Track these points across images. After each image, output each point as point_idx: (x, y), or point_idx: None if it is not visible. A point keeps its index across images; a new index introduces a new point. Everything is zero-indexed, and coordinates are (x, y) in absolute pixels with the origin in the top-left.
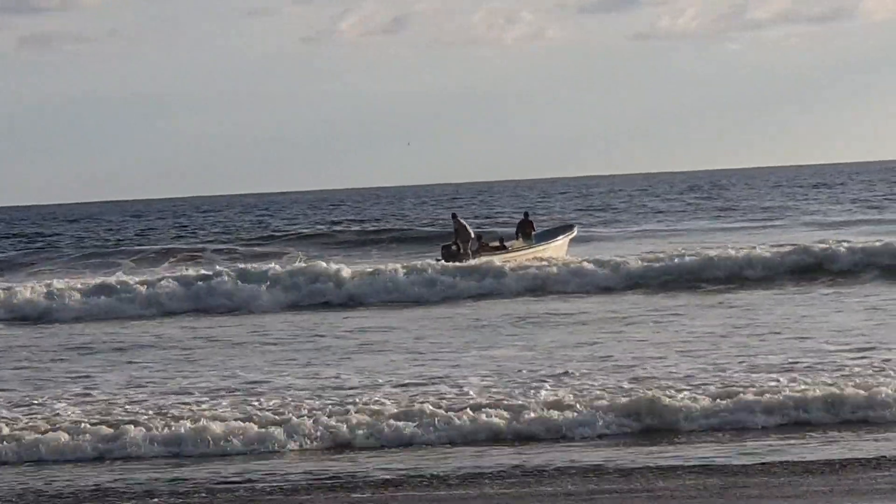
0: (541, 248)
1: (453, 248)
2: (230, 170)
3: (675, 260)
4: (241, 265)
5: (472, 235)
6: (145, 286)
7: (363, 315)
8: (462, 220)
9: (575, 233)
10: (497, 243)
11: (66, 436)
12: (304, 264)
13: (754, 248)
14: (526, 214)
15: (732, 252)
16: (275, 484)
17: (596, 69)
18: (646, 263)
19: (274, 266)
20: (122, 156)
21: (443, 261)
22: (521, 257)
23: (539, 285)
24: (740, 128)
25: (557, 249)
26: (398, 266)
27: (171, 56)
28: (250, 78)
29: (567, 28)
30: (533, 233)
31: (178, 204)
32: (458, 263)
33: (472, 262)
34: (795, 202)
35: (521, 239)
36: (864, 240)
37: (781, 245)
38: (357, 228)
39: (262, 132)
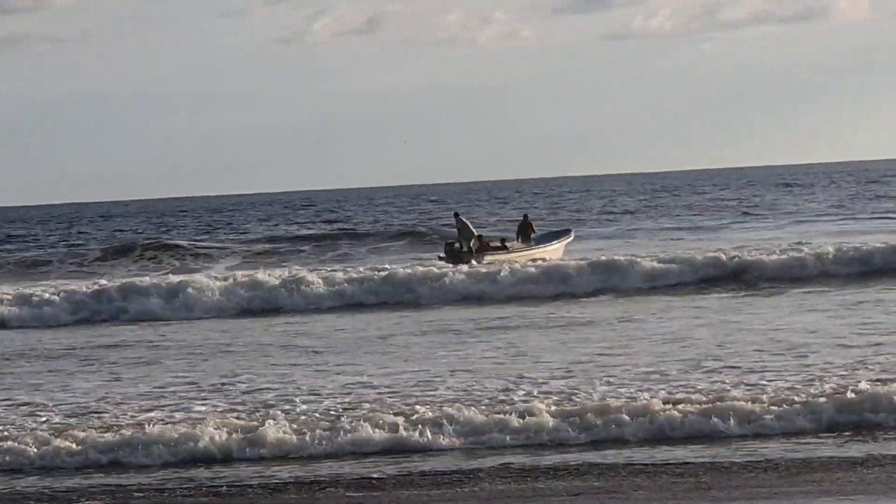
0: (540, 249)
1: (456, 246)
2: (202, 171)
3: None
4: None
5: (475, 234)
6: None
7: (303, 321)
8: (464, 219)
9: (572, 237)
10: (498, 243)
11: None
12: (242, 277)
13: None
14: (525, 216)
15: (699, 257)
16: (261, 482)
17: (570, 69)
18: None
19: (213, 273)
20: (96, 157)
21: (446, 259)
22: (522, 258)
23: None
24: (714, 128)
25: (555, 252)
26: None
27: (144, 57)
28: (224, 79)
29: (541, 28)
30: (533, 235)
31: (151, 204)
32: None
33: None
34: (769, 201)
35: (520, 240)
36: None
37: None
38: (327, 228)
39: (233, 133)
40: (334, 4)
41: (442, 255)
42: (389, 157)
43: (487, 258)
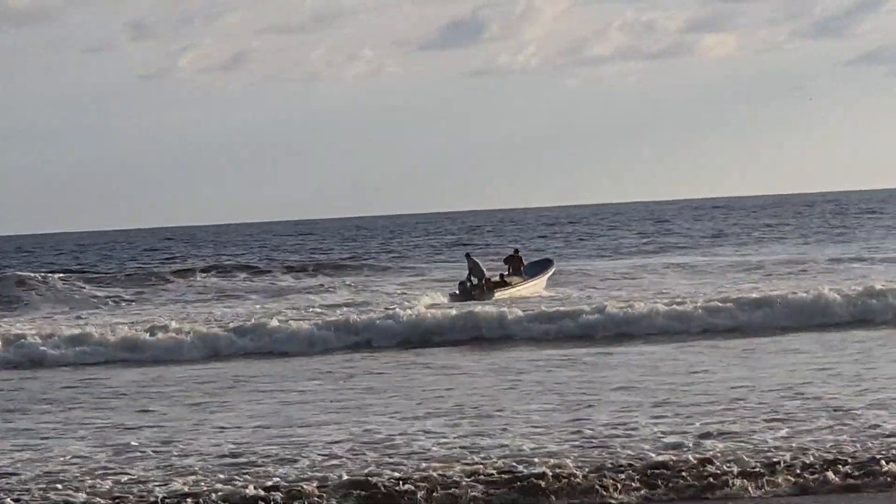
0: (534, 282)
1: (468, 284)
2: (62, 206)
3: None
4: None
5: (485, 272)
6: None
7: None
8: (475, 259)
9: (554, 269)
10: (498, 279)
11: None
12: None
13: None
14: (515, 251)
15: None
16: None
17: (435, 105)
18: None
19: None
20: None
21: (459, 296)
22: (523, 291)
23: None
24: (578, 164)
25: (542, 285)
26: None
27: (5, 92)
28: (86, 114)
29: (407, 64)
30: (522, 267)
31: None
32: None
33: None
34: (626, 240)
35: (510, 272)
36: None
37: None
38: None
39: (93, 169)
40: (199, 40)
41: (455, 291)
42: (251, 192)
43: (497, 294)
